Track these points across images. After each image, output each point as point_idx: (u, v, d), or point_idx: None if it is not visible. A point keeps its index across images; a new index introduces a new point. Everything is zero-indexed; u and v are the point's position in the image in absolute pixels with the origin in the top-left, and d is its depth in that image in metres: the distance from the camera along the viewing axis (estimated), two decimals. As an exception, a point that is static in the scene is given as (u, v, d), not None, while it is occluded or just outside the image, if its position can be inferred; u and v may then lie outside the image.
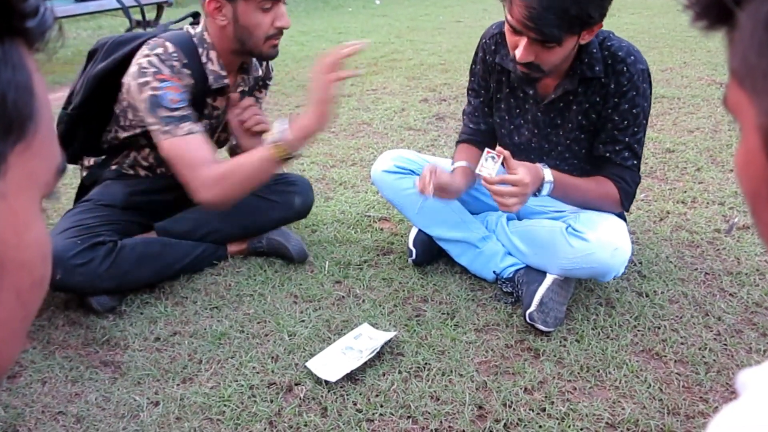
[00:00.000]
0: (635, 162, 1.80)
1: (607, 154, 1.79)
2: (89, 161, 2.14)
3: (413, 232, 2.11)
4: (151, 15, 5.66)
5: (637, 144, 1.78)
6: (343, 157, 3.07)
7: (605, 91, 1.74)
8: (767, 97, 0.37)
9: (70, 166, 2.28)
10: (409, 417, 1.48)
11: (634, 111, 1.74)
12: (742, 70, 0.39)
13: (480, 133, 2.04)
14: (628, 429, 1.43)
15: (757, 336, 1.74)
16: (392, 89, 4.30)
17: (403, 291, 1.97)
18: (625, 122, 1.75)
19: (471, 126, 2.05)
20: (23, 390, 1.59)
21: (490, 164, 1.66)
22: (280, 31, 1.90)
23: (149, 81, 1.83)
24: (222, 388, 1.57)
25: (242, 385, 1.58)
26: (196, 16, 2.08)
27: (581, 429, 1.43)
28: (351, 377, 1.59)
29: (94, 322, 1.85)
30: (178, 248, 2.02)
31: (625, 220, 1.93)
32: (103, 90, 1.98)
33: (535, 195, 1.71)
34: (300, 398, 1.54)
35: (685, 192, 2.56)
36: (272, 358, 1.69)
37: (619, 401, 1.52)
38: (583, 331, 1.75)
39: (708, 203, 2.47)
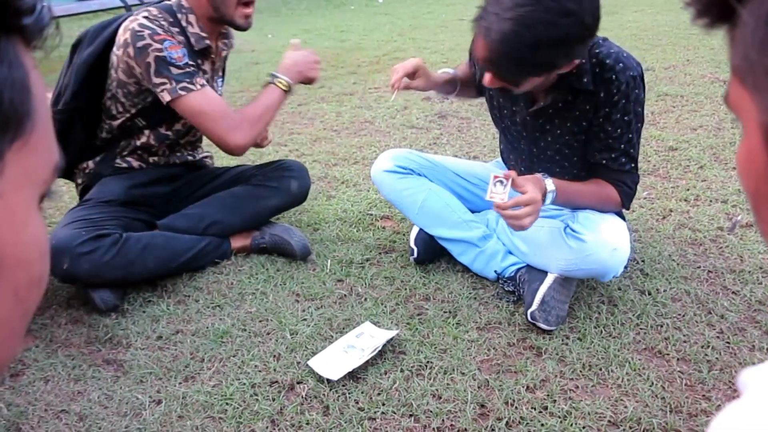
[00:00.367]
0: (633, 165, 1.79)
1: (604, 162, 1.78)
2: (86, 165, 2.14)
3: (415, 230, 2.11)
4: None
5: (633, 149, 1.76)
6: (346, 156, 3.07)
7: (596, 100, 1.71)
8: None
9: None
10: (411, 415, 1.48)
11: (626, 119, 1.71)
12: (744, 68, 0.39)
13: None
14: (630, 427, 1.43)
15: (760, 334, 1.73)
16: (394, 87, 4.29)
17: (405, 289, 1.97)
18: (619, 130, 1.73)
19: (469, 69, 2.07)
20: (26, 388, 1.60)
21: (499, 189, 1.64)
22: None
23: (149, 43, 1.87)
24: (224, 387, 1.58)
25: (244, 384, 1.58)
26: None
27: (583, 427, 1.43)
28: (353, 376, 1.59)
29: (96, 320, 1.85)
30: (182, 241, 2.03)
31: (623, 218, 1.93)
32: (92, 80, 2.00)
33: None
34: (302, 397, 1.54)
35: (688, 190, 2.55)
36: (274, 356, 1.69)
37: (621, 399, 1.51)
38: (585, 330, 1.75)
39: (711, 201, 2.46)
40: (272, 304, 1.91)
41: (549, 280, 1.79)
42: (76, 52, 2.05)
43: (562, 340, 1.72)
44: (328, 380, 1.57)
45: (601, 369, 1.61)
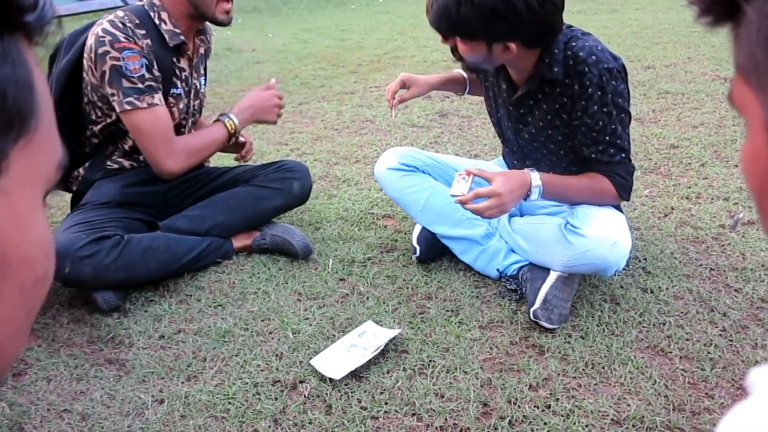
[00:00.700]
0: (623, 155, 1.78)
1: (593, 155, 1.78)
2: (77, 172, 2.14)
3: (417, 229, 2.11)
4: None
5: (620, 139, 1.76)
6: (347, 155, 3.07)
7: (570, 93, 1.73)
8: None
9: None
10: (413, 414, 1.48)
11: (605, 110, 1.71)
12: (749, 66, 0.39)
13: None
14: (633, 425, 1.43)
15: (762, 332, 1.73)
16: (395, 86, 4.29)
17: (407, 288, 1.97)
18: (600, 123, 1.73)
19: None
20: (28, 388, 1.60)
21: (461, 185, 1.72)
22: None
23: (108, 51, 1.87)
24: (226, 386, 1.58)
25: (247, 383, 1.58)
26: None
27: (586, 426, 1.43)
28: (355, 375, 1.59)
29: (98, 320, 1.85)
30: (183, 242, 2.03)
31: (621, 211, 1.92)
32: (73, 86, 2.00)
33: (525, 199, 1.73)
34: (304, 396, 1.54)
35: (690, 188, 2.55)
36: (276, 355, 1.69)
37: (624, 398, 1.51)
38: (587, 328, 1.75)
39: (713, 199, 2.46)
40: (274, 303, 1.91)
41: (551, 278, 1.79)
42: (54, 62, 2.05)
43: (565, 339, 1.72)
44: (331, 379, 1.57)
45: (603, 367, 1.61)
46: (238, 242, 2.17)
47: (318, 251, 2.18)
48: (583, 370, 1.61)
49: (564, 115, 1.78)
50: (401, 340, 1.72)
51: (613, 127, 1.74)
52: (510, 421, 1.44)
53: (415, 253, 2.07)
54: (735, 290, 1.91)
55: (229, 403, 1.52)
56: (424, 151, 2.15)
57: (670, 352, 1.66)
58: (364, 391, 1.54)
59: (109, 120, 2.03)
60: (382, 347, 1.65)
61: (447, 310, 1.86)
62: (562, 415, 1.46)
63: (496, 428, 1.43)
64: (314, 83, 4.47)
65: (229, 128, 2.09)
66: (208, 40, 2.17)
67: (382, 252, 2.19)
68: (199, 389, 1.57)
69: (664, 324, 1.77)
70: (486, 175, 1.72)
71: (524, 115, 1.87)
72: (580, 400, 1.50)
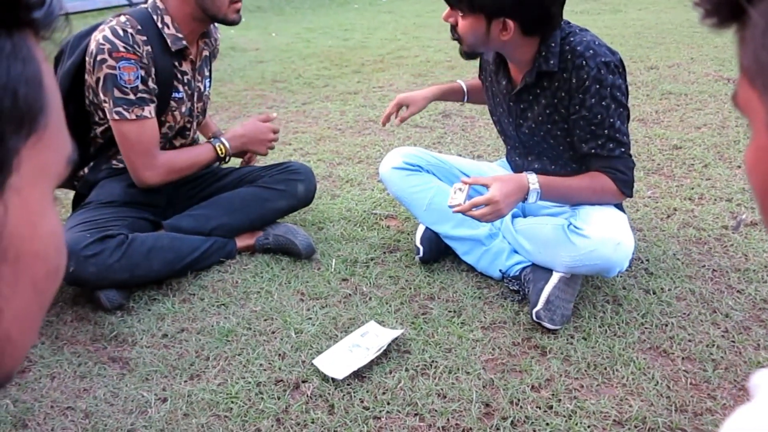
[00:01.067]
0: (623, 150, 1.78)
1: (593, 151, 1.79)
2: (82, 172, 2.15)
3: (420, 229, 2.11)
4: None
5: (619, 133, 1.77)
6: (350, 155, 3.07)
7: (568, 86, 1.75)
8: None
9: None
10: (416, 414, 1.48)
11: (603, 104, 1.73)
12: (754, 69, 0.39)
13: None
14: (635, 426, 1.43)
15: (765, 333, 1.73)
16: (398, 86, 4.29)
17: (410, 289, 1.97)
18: (599, 116, 1.74)
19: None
20: (32, 385, 1.61)
21: (458, 195, 1.75)
22: None
23: (105, 59, 1.89)
24: (229, 385, 1.58)
25: (249, 382, 1.59)
26: None
27: (588, 426, 1.43)
28: (358, 375, 1.59)
29: (102, 318, 1.86)
30: (187, 242, 2.03)
31: (623, 212, 1.93)
32: (76, 87, 2.01)
33: (523, 202, 1.75)
34: (307, 395, 1.54)
35: (693, 189, 2.55)
36: (279, 355, 1.69)
37: (626, 399, 1.51)
38: (590, 329, 1.75)
39: (715, 200, 2.46)
40: (277, 303, 1.92)
41: (554, 279, 1.80)
42: (59, 64, 2.06)
43: (567, 340, 1.72)
44: (333, 379, 1.57)
45: (606, 368, 1.61)
46: (242, 242, 2.17)
47: (321, 251, 2.19)
48: (586, 370, 1.61)
49: (562, 109, 1.80)
50: (404, 341, 1.73)
51: (612, 120, 1.74)
52: (512, 421, 1.45)
53: (418, 253, 2.08)
54: (737, 291, 1.91)
55: (232, 402, 1.53)
56: (428, 151, 2.16)
57: (673, 353, 1.66)
58: (367, 391, 1.55)
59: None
60: (385, 347, 1.65)
61: (449, 311, 1.86)
62: (564, 416, 1.46)
63: (498, 429, 1.43)
64: (317, 83, 4.48)
65: (219, 152, 2.14)
66: (212, 42, 2.17)
67: (384, 252, 2.19)
68: (202, 388, 1.58)
69: (666, 325, 1.77)
70: (482, 182, 1.75)
71: (524, 110, 1.88)
72: (582, 400, 1.51)
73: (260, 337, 1.76)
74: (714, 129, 3.18)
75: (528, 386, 1.56)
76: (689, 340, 1.71)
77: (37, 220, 0.36)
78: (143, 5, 2.02)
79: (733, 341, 1.70)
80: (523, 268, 1.92)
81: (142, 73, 1.92)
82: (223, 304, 1.92)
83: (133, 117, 1.93)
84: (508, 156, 2.16)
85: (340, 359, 1.63)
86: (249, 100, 4.14)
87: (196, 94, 2.13)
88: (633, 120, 1.83)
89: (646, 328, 1.76)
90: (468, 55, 1.84)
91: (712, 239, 2.19)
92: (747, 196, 2.45)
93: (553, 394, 1.53)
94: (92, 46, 1.91)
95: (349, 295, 1.95)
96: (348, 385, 1.57)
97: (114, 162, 2.10)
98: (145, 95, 1.94)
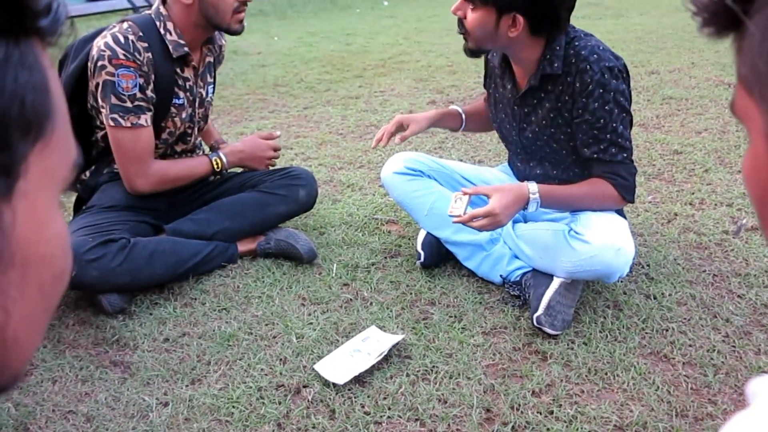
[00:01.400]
0: (625, 155, 1.79)
1: (595, 155, 1.79)
2: (84, 175, 2.15)
3: (421, 234, 2.12)
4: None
5: (621, 138, 1.77)
6: (351, 159, 3.08)
7: (572, 90, 1.76)
8: None
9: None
10: (416, 420, 1.49)
11: (606, 108, 1.74)
12: (751, 78, 0.39)
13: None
14: (636, 431, 1.44)
15: (765, 338, 1.73)
16: (400, 91, 4.30)
17: (411, 294, 1.97)
18: (602, 120, 1.75)
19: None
20: (34, 388, 1.61)
21: (459, 205, 1.76)
22: (244, 3, 1.98)
23: (105, 65, 1.90)
24: (230, 390, 1.58)
25: (250, 387, 1.59)
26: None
27: (589, 431, 1.43)
28: (359, 380, 1.60)
29: (104, 321, 1.86)
30: (189, 246, 2.04)
31: (624, 217, 1.93)
32: (79, 90, 2.02)
33: (524, 210, 1.76)
34: (308, 400, 1.55)
35: (693, 194, 2.55)
36: (280, 360, 1.69)
37: (627, 404, 1.52)
38: (590, 334, 1.75)
39: (716, 205, 2.46)
40: (278, 307, 1.92)
41: (554, 284, 1.80)
42: (63, 67, 2.07)
43: (568, 345, 1.72)
44: (334, 384, 1.58)
45: (606, 373, 1.61)
46: (243, 246, 2.18)
47: (322, 256, 2.19)
48: (586, 376, 1.61)
49: (566, 113, 1.80)
50: (404, 346, 1.73)
51: (614, 125, 1.75)
52: (513, 427, 1.45)
53: (419, 258, 2.08)
54: (738, 296, 1.91)
55: (233, 406, 1.53)
56: (429, 156, 2.17)
57: (673, 358, 1.66)
58: (368, 396, 1.55)
59: None
60: (386, 352, 1.65)
61: (450, 316, 1.86)
62: (565, 421, 1.46)
63: (498, 434, 1.43)
64: (319, 87, 4.49)
65: (215, 166, 2.15)
66: (215, 49, 2.18)
67: (386, 257, 2.19)
68: (203, 392, 1.58)
69: (667, 330, 1.77)
70: (482, 192, 1.76)
71: (528, 114, 1.89)
72: (583, 406, 1.51)
73: (261, 342, 1.77)
74: (715, 134, 3.18)
75: (529, 391, 1.56)
76: (690, 345, 1.71)
77: (43, 224, 0.37)
78: (148, 11, 2.03)
79: (734, 346, 1.70)
80: (524, 274, 1.92)
81: (141, 81, 1.93)
82: (225, 309, 1.92)
83: (128, 125, 1.94)
84: (510, 161, 2.16)
85: (341, 364, 1.63)
86: (251, 104, 4.15)
87: (197, 100, 2.14)
88: (634, 125, 1.83)
89: (646, 333, 1.76)
90: (472, 52, 1.83)
91: (713, 244, 2.19)
92: (747, 201, 2.45)
93: (553, 400, 1.53)
94: (93, 51, 1.93)
95: (350, 300, 1.96)
96: (349, 390, 1.57)
97: (115, 166, 2.11)
98: (142, 103, 1.95)
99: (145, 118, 1.96)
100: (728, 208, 2.43)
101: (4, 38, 0.33)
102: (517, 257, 1.98)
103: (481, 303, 1.92)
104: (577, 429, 1.44)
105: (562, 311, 1.76)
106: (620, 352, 1.68)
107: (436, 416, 1.49)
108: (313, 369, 1.63)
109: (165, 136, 2.09)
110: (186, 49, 2.01)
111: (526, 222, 2.04)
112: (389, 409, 1.51)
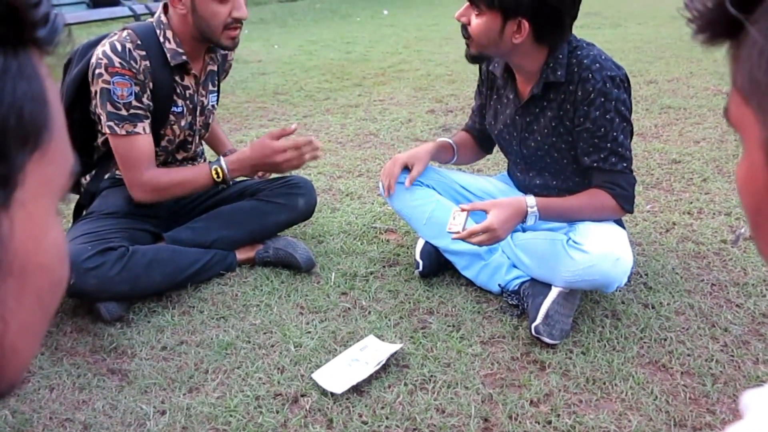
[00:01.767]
0: (625, 164, 1.80)
1: (595, 164, 1.80)
2: (85, 179, 2.16)
3: (420, 243, 2.12)
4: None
5: (621, 147, 1.78)
6: (350, 168, 3.08)
7: (574, 98, 1.77)
8: None
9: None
10: (414, 429, 1.48)
11: (607, 117, 1.75)
12: (748, 87, 0.39)
13: (476, 130, 2.18)
14: (634, 442, 1.43)
15: (764, 347, 1.73)
16: (399, 100, 4.31)
17: (409, 303, 1.97)
18: (602, 129, 1.76)
19: (471, 122, 2.20)
20: (31, 396, 1.61)
21: (457, 221, 1.78)
22: (237, 21, 1.97)
23: (102, 73, 1.91)
24: (228, 399, 1.58)
25: (248, 396, 1.59)
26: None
27: (587, 442, 1.43)
28: (357, 389, 1.59)
29: (101, 329, 1.86)
30: (188, 254, 2.04)
31: (623, 227, 1.94)
32: (82, 95, 2.03)
33: (523, 222, 1.76)
34: (306, 410, 1.54)
35: (692, 203, 2.56)
36: (278, 369, 1.69)
37: (625, 413, 1.51)
38: (589, 344, 1.75)
39: (714, 214, 2.46)
40: (276, 316, 1.92)
41: (553, 293, 1.80)
42: (67, 71, 2.08)
43: (566, 354, 1.72)
44: (332, 393, 1.57)
45: (605, 383, 1.61)
46: (242, 254, 2.18)
47: (320, 265, 2.19)
48: (585, 385, 1.61)
49: (567, 122, 1.81)
50: (402, 355, 1.73)
51: (615, 134, 1.76)
52: (511, 436, 1.44)
53: (417, 267, 2.08)
54: (736, 305, 1.91)
55: (231, 415, 1.53)
56: (429, 165, 2.16)
57: (672, 368, 1.66)
58: (365, 406, 1.55)
59: None
60: (384, 362, 1.65)
61: (448, 325, 1.86)
62: (564, 431, 1.46)
63: (496, 443, 1.43)
64: (319, 96, 4.50)
65: (215, 177, 2.05)
66: (217, 57, 2.18)
67: (384, 266, 2.19)
68: (200, 401, 1.57)
69: (665, 339, 1.77)
70: (480, 207, 1.78)
71: (530, 123, 1.89)
72: (582, 415, 1.50)
73: (259, 351, 1.76)
74: (713, 143, 3.19)
75: (527, 401, 1.55)
76: (688, 355, 1.71)
77: (41, 233, 0.37)
78: (150, 19, 2.04)
79: (732, 356, 1.70)
80: (522, 283, 1.92)
81: (136, 89, 1.93)
82: (223, 317, 1.92)
83: (123, 132, 1.94)
84: (509, 171, 2.17)
85: (339, 373, 1.63)
86: (250, 112, 4.16)
87: (198, 108, 2.14)
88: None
89: (645, 342, 1.76)
90: (474, 58, 1.83)
91: (711, 253, 2.19)
92: (746, 210, 2.45)
93: (552, 409, 1.53)
94: (93, 59, 1.94)
95: (349, 309, 1.96)
96: (347, 399, 1.57)
97: (117, 172, 2.11)
98: (138, 111, 1.95)
99: (142, 126, 1.96)
100: (726, 217, 2.43)
101: (2, 49, 0.34)
102: (515, 266, 1.98)
103: (479, 312, 1.92)
104: (575, 439, 1.43)
105: (560, 321, 1.76)
106: (618, 362, 1.68)
107: (434, 426, 1.48)
108: (311, 378, 1.63)
109: (164, 143, 2.10)
110: (184, 57, 2.01)
111: (524, 231, 2.04)
112: (387, 418, 1.51)
